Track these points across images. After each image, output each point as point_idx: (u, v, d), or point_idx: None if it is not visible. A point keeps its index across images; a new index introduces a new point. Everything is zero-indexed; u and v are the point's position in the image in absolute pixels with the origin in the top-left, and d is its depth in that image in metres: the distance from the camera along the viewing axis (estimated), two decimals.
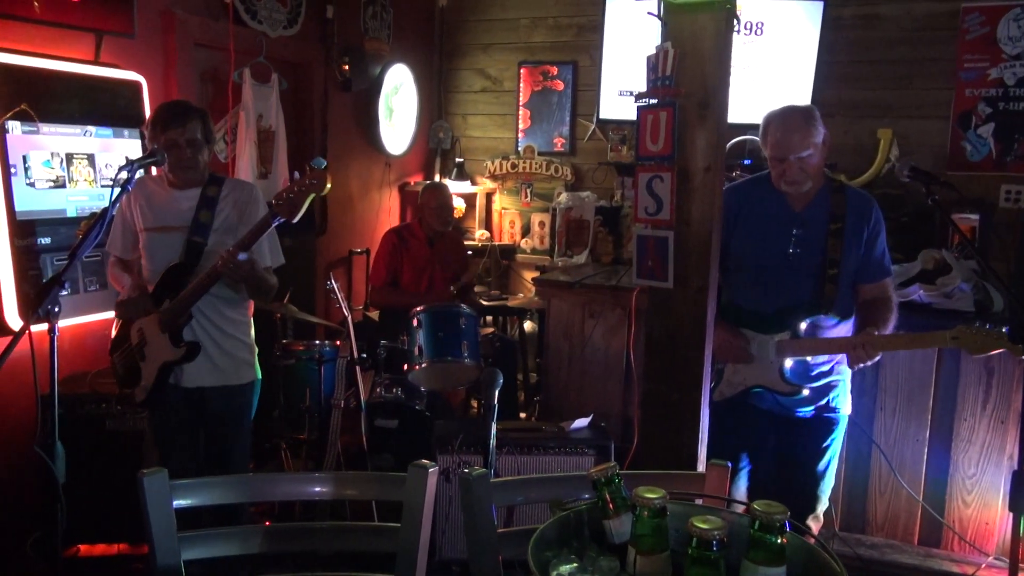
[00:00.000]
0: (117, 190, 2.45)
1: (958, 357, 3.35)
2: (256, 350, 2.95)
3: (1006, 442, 3.32)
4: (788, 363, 2.67)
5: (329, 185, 2.53)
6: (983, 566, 3.33)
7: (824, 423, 2.78)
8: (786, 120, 2.61)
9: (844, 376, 2.78)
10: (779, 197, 2.72)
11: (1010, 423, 3.31)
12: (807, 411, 2.75)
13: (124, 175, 2.49)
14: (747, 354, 2.71)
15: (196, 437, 2.88)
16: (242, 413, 2.90)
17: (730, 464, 1.82)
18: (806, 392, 2.70)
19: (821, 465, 2.79)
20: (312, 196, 2.54)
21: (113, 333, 2.90)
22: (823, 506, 2.86)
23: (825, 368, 2.73)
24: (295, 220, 2.54)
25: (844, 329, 2.74)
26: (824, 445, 2.78)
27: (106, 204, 2.60)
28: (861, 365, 2.57)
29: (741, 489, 2.87)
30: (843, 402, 2.80)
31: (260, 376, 2.95)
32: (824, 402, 2.75)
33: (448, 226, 4.65)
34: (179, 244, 2.72)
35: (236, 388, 2.84)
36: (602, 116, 5.45)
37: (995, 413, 3.33)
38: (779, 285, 2.71)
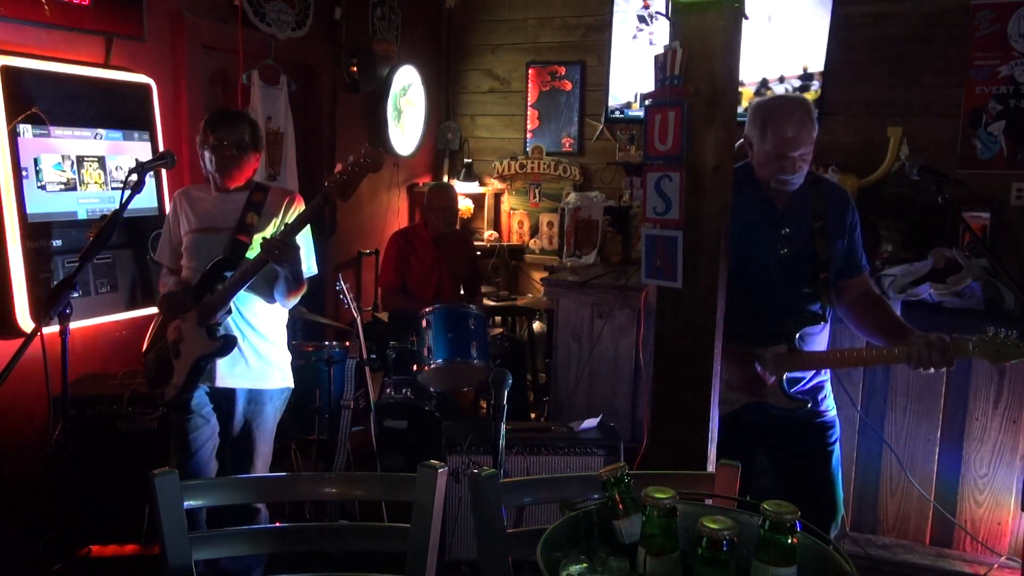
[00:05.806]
0: (128, 192, 2.48)
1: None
2: (290, 358, 2.99)
3: (1018, 441, 3.31)
4: (785, 377, 2.55)
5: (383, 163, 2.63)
6: (995, 566, 3.31)
7: (823, 428, 2.66)
8: (793, 114, 2.48)
9: (827, 377, 2.69)
10: (762, 196, 2.59)
11: (1022, 422, 3.29)
12: (801, 417, 2.61)
13: (134, 177, 2.52)
14: (762, 383, 2.55)
15: (222, 440, 2.90)
16: (269, 419, 2.92)
17: (740, 464, 1.81)
18: (808, 405, 2.58)
19: (832, 470, 2.70)
20: (366, 175, 2.61)
21: (147, 340, 2.94)
22: (840, 512, 2.79)
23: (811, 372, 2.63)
24: (346, 200, 2.64)
25: (826, 335, 2.65)
26: (828, 450, 2.68)
27: (116, 207, 2.62)
28: (930, 370, 2.35)
29: None
30: (831, 404, 2.70)
31: (292, 386, 2.99)
32: (817, 407, 2.64)
33: (453, 227, 4.64)
34: (223, 243, 2.78)
35: (266, 393, 2.88)
36: (610, 116, 5.44)
37: (1007, 412, 3.31)
38: (771, 291, 2.59)
